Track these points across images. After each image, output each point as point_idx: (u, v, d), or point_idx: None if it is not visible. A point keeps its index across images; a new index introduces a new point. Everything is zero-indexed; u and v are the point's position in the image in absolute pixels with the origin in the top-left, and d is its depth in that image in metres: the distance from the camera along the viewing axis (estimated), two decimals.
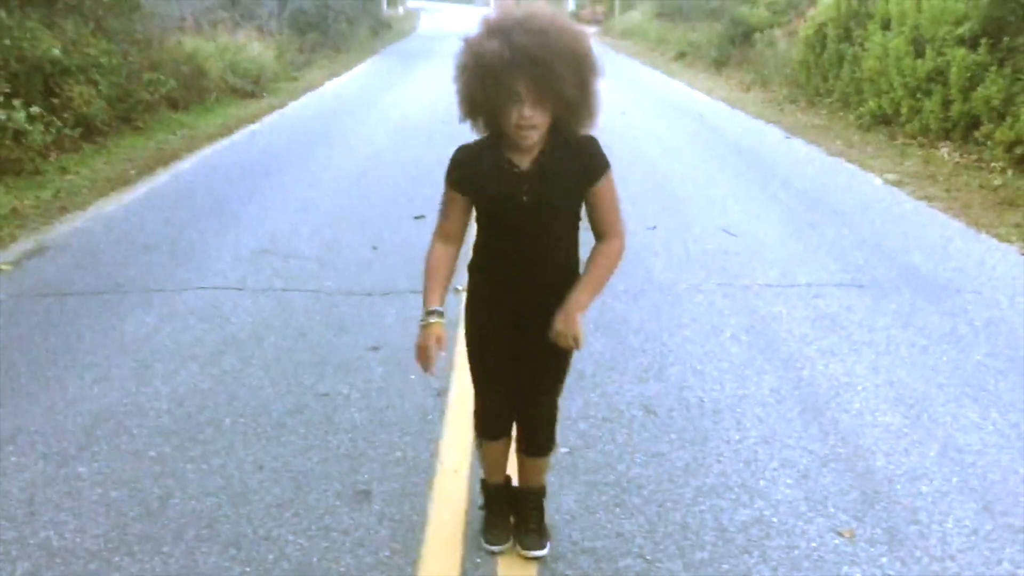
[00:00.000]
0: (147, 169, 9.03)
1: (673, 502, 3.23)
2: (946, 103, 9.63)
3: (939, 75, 9.82)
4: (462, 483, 3.37)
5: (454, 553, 2.97)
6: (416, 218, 6.85)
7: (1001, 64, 8.97)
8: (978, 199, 7.57)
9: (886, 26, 11.33)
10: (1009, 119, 8.54)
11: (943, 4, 10.08)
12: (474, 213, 2.62)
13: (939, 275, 5.71)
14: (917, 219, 7.08)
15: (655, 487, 3.33)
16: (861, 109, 11.47)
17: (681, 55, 22.00)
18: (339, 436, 3.70)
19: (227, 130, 11.61)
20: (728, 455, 3.55)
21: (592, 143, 2.51)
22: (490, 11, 2.40)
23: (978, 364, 4.40)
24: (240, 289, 5.44)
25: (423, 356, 2.60)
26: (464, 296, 2.75)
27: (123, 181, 8.47)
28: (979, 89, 9.01)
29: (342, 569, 2.87)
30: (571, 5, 43.51)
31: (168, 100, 12.11)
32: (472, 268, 2.69)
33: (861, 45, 11.94)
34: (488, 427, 2.88)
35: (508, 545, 2.95)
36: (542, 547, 2.92)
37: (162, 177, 8.75)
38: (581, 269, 2.62)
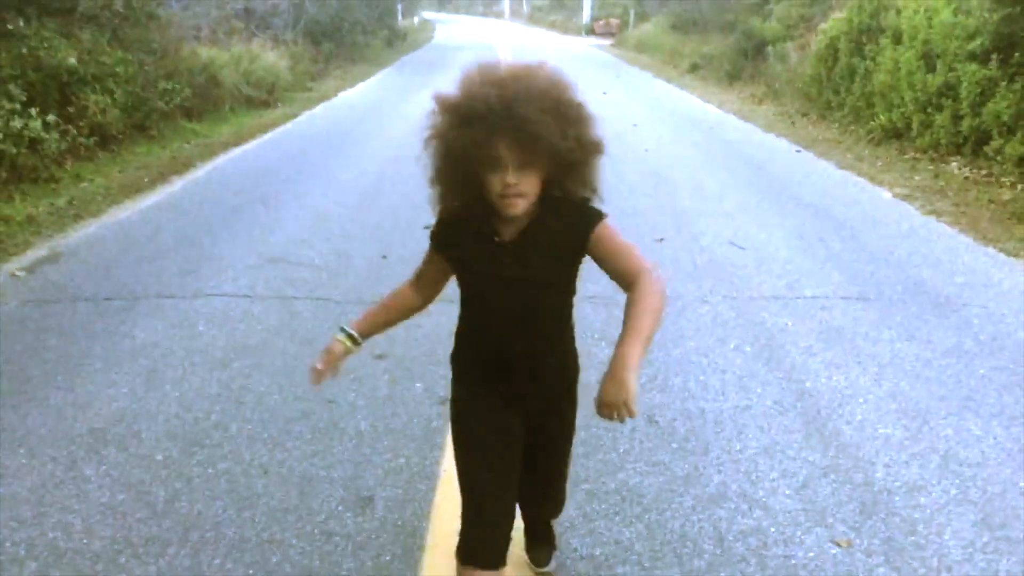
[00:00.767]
0: (161, 177, 9.13)
1: (672, 511, 3.27)
2: (956, 118, 9.65)
3: (950, 90, 9.84)
4: None
5: (455, 559, 2.99)
6: (426, 228, 6.88)
7: (1012, 80, 8.98)
8: (987, 214, 7.58)
9: (898, 40, 11.36)
10: (1019, 134, 8.55)
11: (954, 19, 10.10)
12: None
13: (945, 289, 5.72)
14: (925, 233, 7.10)
15: (655, 496, 3.36)
16: (872, 123, 11.49)
17: (694, 68, 22.04)
18: (344, 442, 3.74)
19: (241, 139, 11.72)
20: (729, 465, 3.58)
21: (578, 203, 2.16)
22: (467, 70, 2.11)
23: (982, 377, 4.42)
24: (250, 297, 5.50)
25: (312, 371, 2.38)
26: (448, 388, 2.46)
27: (137, 189, 8.57)
28: (990, 104, 9.02)
29: (344, 573, 2.91)
30: (585, 18, 43.64)
31: (183, 109, 12.23)
32: (454, 356, 2.41)
33: (873, 59, 11.96)
34: (476, 552, 2.30)
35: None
36: (549, 560, 2.92)
37: (175, 185, 8.85)
38: (574, 342, 2.37)
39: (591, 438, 3.76)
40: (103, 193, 8.30)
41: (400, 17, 36.65)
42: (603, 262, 2.15)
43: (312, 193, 8.43)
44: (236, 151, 10.91)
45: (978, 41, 9.57)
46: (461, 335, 2.37)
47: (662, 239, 6.83)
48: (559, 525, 3.13)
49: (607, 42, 35.63)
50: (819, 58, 13.91)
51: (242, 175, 9.43)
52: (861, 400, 4.16)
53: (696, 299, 5.51)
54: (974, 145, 9.37)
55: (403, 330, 4.92)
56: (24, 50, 9.09)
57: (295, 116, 14.07)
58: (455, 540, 2.32)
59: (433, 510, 3.27)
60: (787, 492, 3.39)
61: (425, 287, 2.42)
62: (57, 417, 3.94)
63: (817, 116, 13.53)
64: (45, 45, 9.42)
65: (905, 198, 8.30)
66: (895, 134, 10.96)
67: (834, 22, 13.81)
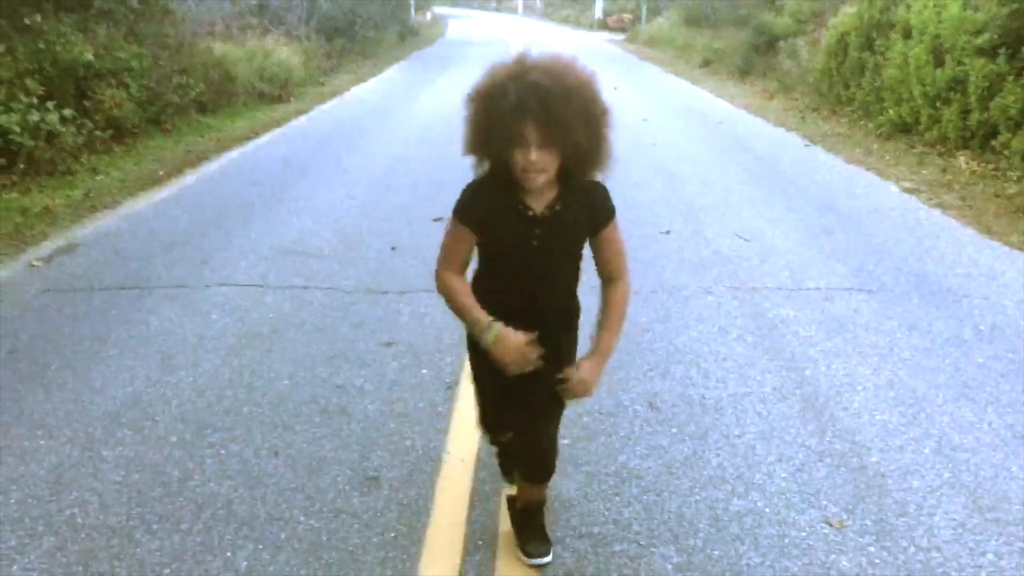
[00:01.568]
0: (175, 170, 9.25)
1: (671, 492, 3.36)
2: (965, 112, 9.68)
3: (958, 84, 9.87)
4: (468, 471, 3.51)
5: (457, 535, 3.10)
6: (435, 220, 7.00)
7: (1019, 74, 9.01)
8: (992, 207, 7.63)
9: (907, 35, 11.38)
10: None
11: (963, 14, 10.13)
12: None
13: (948, 281, 5.78)
14: (930, 226, 7.15)
15: (654, 478, 3.46)
16: (881, 118, 11.53)
17: (706, 62, 22.05)
18: (352, 426, 3.85)
19: (254, 133, 11.83)
20: (727, 449, 3.67)
21: (600, 190, 2.57)
22: (508, 58, 2.40)
23: (979, 366, 4.49)
24: (261, 286, 5.61)
25: (524, 356, 2.52)
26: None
27: (152, 182, 8.70)
28: (997, 98, 9.05)
29: (350, 548, 3.01)
30: (598, 13, 43.63)
31: (197, 103, 12.36)
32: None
33: (882, 54, 11.99)
34: (491, 425, 3.01)
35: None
36: (546, 554, 2.96)
37: (189, 178, 8.97)
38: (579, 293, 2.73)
39: (593, 423, 3.86)
40: (118, 186, 8.43)
41: (413, 13, 36.73)
42: (599, 251, 2.63)
43: (323, 186, 8.54)
44: (249, 145, 11.02)
45: (986, 36, 9.59)
46: (479, 284, 2.68)
47: (668, 231, 6.91)
48: (558, 504, 3.24)
49: (619, 37, 35.63)
50: (829, 53, 13.93)
51: (255, 168, 9.55)
52: (860, 388, 4.24)
53: (700, 290, 5.60)
54: (982, 139, 9.41)
55: (410, 318, 5.07)
56: (41, 45, 9.22)
57: (307, 111, 14.18)
58: (458, 519, 2.99)
59: (437, 490, 3.37)
60: (783, 475, 3.48)
61: (463, 265, 2.64)
62: (74, 401, 4.05)
63: (828, 111, 13.56)
64: (62, 40, 9.54)
65: (912, 192, 8.35)
66: (904, 128, 10.99)
67: (844, 17, 13.82)
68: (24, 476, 3.44)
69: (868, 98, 12.28)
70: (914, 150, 10.30)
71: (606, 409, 3.99)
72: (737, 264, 6.12)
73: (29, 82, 8.64)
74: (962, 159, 9.39)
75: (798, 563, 2.96)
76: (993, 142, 9.12)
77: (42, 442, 3.70)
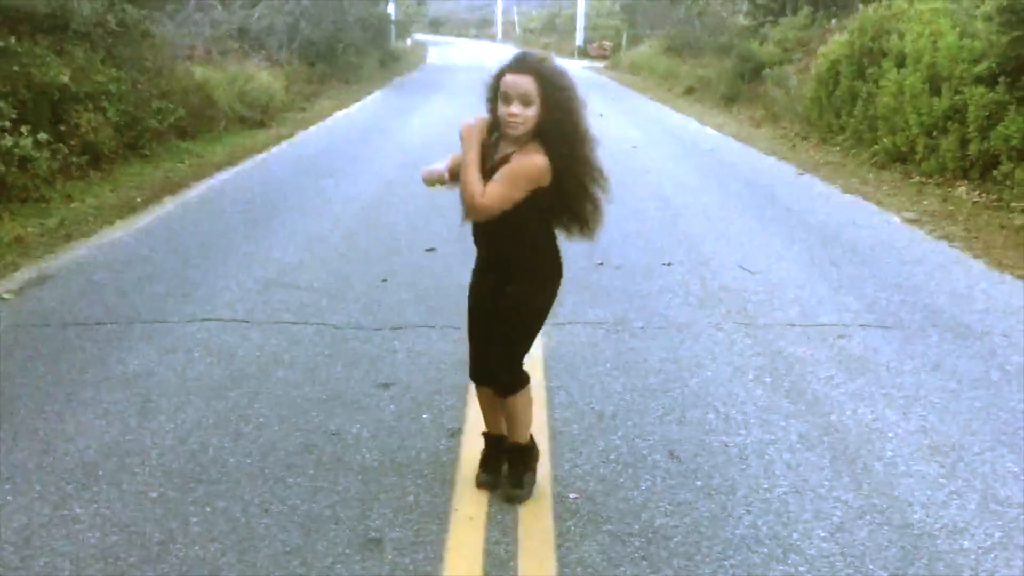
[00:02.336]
0: (154, 197, 8.92)
1: (702, 555, 3.06)
2: (964, 142, 9.52)
3: (956, 113, 9.72)
4: (478, 532, 3.20)
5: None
6: (427, 251, 6.72)
7: (1020, 103, 8.87)
8: (1000, 239, 7.43)
9: (901, 63, 11.25)
10: None
11: (960, 42, 10.00)
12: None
13: (965, 317, 5.55)
14: (938, 259, 6.94)
15: (682, 539, 3.16)
16: (875, 147, 11.36)
17: (690, 90, 21.96)
18: (349, 478, 3.53)
19: (235, 159, 11.52)
20: (758, 505, 3.38)
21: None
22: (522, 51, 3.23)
23: (1013, 410, 4.24)
24: (247, 322, 5.29)
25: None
26: None
27: (129, 209, 8.36)
28: (999, 128, 8.88)
29: None
30: (579, 41, 43.63)
31: (176, 128, 12.02)
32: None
33: (875, 83, 11.85)
34: (472, 369, 3.43)
35: (496, 489, 3.43)
36: (520, 499, 3.35)
37: (168, 206, 8.64)
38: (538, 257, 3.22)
39: (612, 474, 3.57)
40: (94, 214, 8.08)
41: (394, 39, 36.57)
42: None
43: (308, 214, 8.24)
44: (230, 171, 10.71)
45: (985, 64, 9.46)
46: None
47: (670, 263, 6.65)
48: (580, 570, 2.94)
49: (601, 64, 35.61)
50: (820, 81, 13.78)
51: (236, 195, 9.24)
52: (890, 435, 3.97)
53: (709, 325, 5.33)
54: (982, 169, 9.24)
55: (406, 356, 4.77)
56: (16, 67, 8.88)
57: (290, 136, 13.90)
58: None
59: (446, 553, 3.06)
60: (822, 535, 3.19)
61: None
62: (45, 450, 3.72)
63: (818, 139, 13.40)
64: (37, 62, 9.22)
65: (914, 223, 8.15)
66: (899, 157, 10.81)
67: (835, 45, 13.70)
68: None
69: (861, 127, 12.12)
70: (911, 179, 10.12)
71: (624, 459, 3.70)
72: (745, 298, 5.87)
73: (2, 105, 8.28)
74: (962, 189, 9.21)
75: None
76: (994, 172, 8.95)
77: (9, 498, 3.36)
